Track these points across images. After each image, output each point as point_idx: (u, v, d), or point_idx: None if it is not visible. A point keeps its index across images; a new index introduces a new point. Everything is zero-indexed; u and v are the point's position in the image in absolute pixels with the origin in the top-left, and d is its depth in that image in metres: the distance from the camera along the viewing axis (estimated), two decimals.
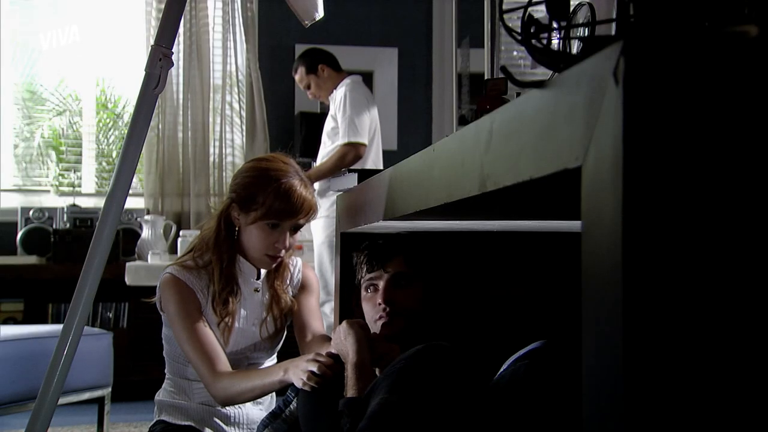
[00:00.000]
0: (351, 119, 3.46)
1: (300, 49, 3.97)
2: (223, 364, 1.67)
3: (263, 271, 1.82)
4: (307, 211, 1.73)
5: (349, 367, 1.41)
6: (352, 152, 3.46)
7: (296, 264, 1.91)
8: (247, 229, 1.74)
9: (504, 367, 1.28)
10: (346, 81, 3.61)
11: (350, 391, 1.36)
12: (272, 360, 1.90)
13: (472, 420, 1.13)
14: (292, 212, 1.70)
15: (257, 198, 1.70)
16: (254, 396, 1.67)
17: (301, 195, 1.71)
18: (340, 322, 1.70)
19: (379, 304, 1.55)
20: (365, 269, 1.59)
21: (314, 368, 1.47)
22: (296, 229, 1.75)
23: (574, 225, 1.21)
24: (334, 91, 3.63)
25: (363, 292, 1.61)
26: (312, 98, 3.80)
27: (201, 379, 1.69)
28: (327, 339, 1.73)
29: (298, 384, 1.49)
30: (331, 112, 3.61)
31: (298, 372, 1.50)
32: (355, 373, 1.38)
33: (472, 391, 1.17)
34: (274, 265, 1.79)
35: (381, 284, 1.56)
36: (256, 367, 1.82)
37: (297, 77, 3.73)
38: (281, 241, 1.72)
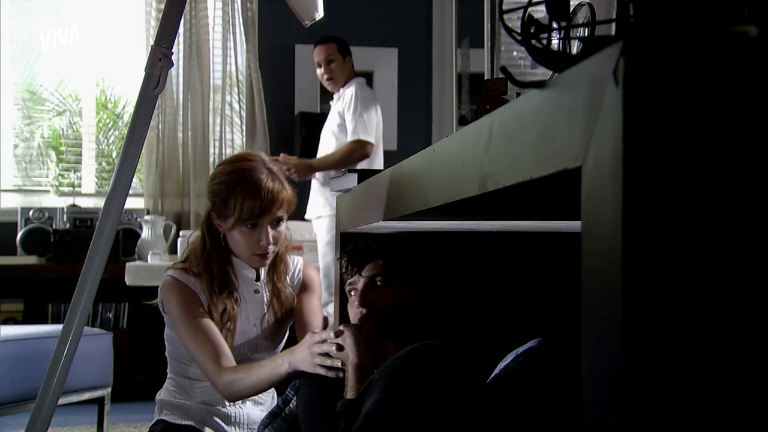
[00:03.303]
0: (361, 117, 3.46)
1: (300, 49, 3.98)
2: (228, 359, 1.67)
3: (262, 272, 1.82)
4: (281, 203, 1.72)
5: (350, 368, 1.41)
6: (360, 150, 3.46)
7: (297, 263, 1.91)
8: (230, 234, 1.74)
9: (500, 365, 1.28)
10: (356, 80, 3.64)
11: (350, 392, 1.36)
12: None
13: (468, 419, 1.13)
14: (263, 209, 1.69)
15: (229, 203, 1.69)
16: (261, 390, 1.65)
17: (269, 189, 1.69)
18: (341, 323, 1.71)
19: (357, 306, 1.56)
20: (346, 274, 1.60)
21: (324, 349, 1.44)
22: (278, 222, 1.75)
23: (574, 225, 1.21)
24: (342, 88, 3.63)
25: (348, 297, 1.62)
26: (320, 77, 3.74)
27: (206, 375, 1.69)
28: None
29: (310, 369, 1.46)
30: (338, 109, 3.60)
31: (306, 357, 1.46)
32: (355, 374, 1.38)
33: (467, 390, 1.17)
34: (267, 262, 1.79)
35: (359, 287, 1.57)
36: None
37: (324, 50, 3.65)
38: (263, 238, 1.72)
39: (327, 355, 1.44)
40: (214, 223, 1.76)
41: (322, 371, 1.45)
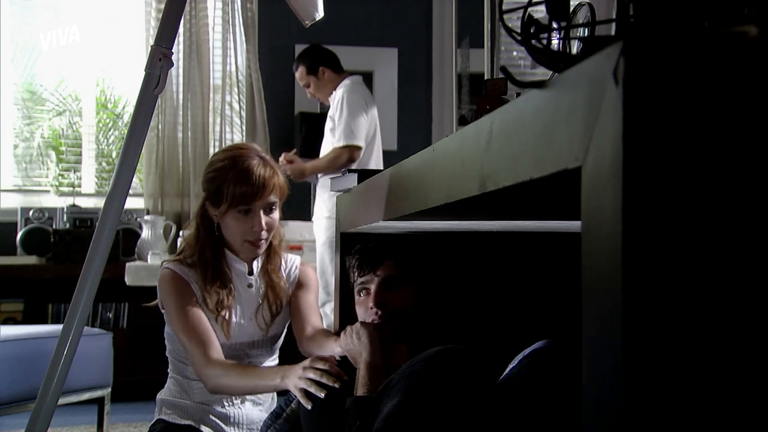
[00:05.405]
0: (347, 122, 3.48)
1: (300, 49, 3.96)
2: (216, 351, 1.68)
3: (255, 267, 1.82)
4: (271, 188, 1.74)
5: (362, 367, 1.41)
6: (345, 155, 3.48)
7: (293, 261, 1.91)
8: (223, 221, 1.76)
9: (509, 368, 1.28)
10: (345, 82, 3.62)
11: (361, 390, 1.37)
12: (274, 361, 1.89)
13: (486, 422, 1.13)
14: (254, 193, 1.71)
15: (222, 189, 1.72)
16: (244, 393, 1.68)
17: (260, 174, 1.72)
18: (341, 322, 1.71)
19: (371, 307, 1.55)
20: (356, 273, 1.60)
21: (312, 375, 1.44)
22: (270, 208, 1.76)
23: (574, 225, 1.21)
24: (334, 92, 3.64)
25: (356, 296, 1.61)
26: (310, 97, 3.82)
27: (192, 365, 1.70)
28: (327, 333, 1.73)
29: (294, 390, 1.48)
30: (330, 112, 3.63)
31: (294, 380, 1.47)
32: (368, 373, 1.39)
33: (488, 394, 1.17)
34: (259, 251, 1.79)
35: (372, 287, 1.56)
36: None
37: (297, 75, 3.75)
38: (256, 223, 1.73)
39: (314, 382, 1.44)
40: (208, 213, 1.79)
41: (303, 390, 1.45)
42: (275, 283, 1.83)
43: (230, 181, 1.71)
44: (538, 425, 1.15)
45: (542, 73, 3.62)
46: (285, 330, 1.90)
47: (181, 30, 4.06)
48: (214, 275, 1.76)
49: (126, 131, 1.50)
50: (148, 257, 3.73)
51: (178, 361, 1.80)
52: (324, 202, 3.54)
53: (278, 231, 1.83)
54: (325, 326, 1.88)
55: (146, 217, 3.94)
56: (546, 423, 1.15)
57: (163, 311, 1.79)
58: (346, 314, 1.70)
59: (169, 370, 1.85)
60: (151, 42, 1.63)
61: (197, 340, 1.68)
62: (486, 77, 2.20)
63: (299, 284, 1.89)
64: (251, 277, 1.82)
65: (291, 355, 1.87)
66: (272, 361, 1.89)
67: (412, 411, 1.13)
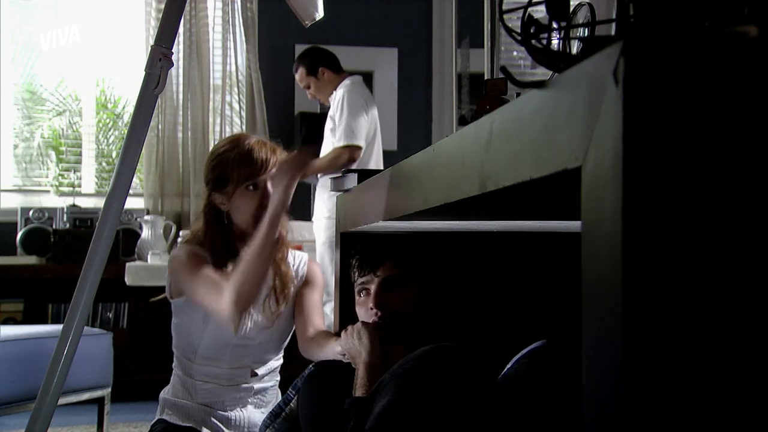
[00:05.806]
0: (347, 122, 3.49)
1: (300, 49, 3.97)
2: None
3: None
4: (275, 161, 1.77)
5: (361, 367, 1.41)
6: (346, 155, 3.49)
7: (302, 257, 1.91)
8: (233, 204, 1.76)
9: (507, 367, 1.28)
10: (345, 82, 3.62)
11: (359, 391, 1.36)
12: (278, 360, 1.89)
13: (480, 420, 1.13)
14: (260, 167, 1.74)
15: (227, 172, 1.74)
16: (259, 269, 1.61)
17: (262, 150, 1.76)
18: (341, 322, 1.71)
19: (371, 308, 1.55)
20: (357, 273, 1.59)
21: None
22: None
23: (574, 225, 1.21)
24: (334, 92, 3.65)
25: (356, 296, 1.61)
26: (311, 99, 3.83)
27: (213, 308, 1.65)
28: (328, 334, 1.73)
29: (287, 178, 1.60)
30: (330, 112, 3.64)
31: (281, 175, 1.60)
32: (366, 373, 1.39)
33: (478, 392, 1.17)
34: None
35: (372, 288, 1.56)
36: (263, 365, 1.83)
37: (297, 77, 3.76)
38: (266, 197, 1.73)
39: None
40: (215, 204, 1.78)
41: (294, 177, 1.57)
42: (283, 272, 1.83)
43: (234, 161, 1.73)
44: (535, 424, 1.15)
45: (542, 73, 3.62)
46: (293, 329, 1.88)
47: (181, 30, 4.06)
48: (227, 257, 1.75)
49: (126, 131, 1.50)
50: (148, 257, 3.73)
51: (184, 357, 1.80)
52: (324, 202, 3.55)
53: (285, 221, 1.82)
54: (325, 326, 1.88)
55: (146, 217, 3.94)
56: (542, 422, 1.14)
57: (171, 300, 1.78)
58: (346, 314, 1.70)
59: (173, 366, 1.84)
60: (151, 42, 1.63)
61: (210, 284, 1.65)
62: (486, 77, 2.20)
63: (306, 281, 1.89)
64: None
65: (293, 357, 1.87)
66: (277, 360, 1.89)
67: (402, 410, 1.13)
